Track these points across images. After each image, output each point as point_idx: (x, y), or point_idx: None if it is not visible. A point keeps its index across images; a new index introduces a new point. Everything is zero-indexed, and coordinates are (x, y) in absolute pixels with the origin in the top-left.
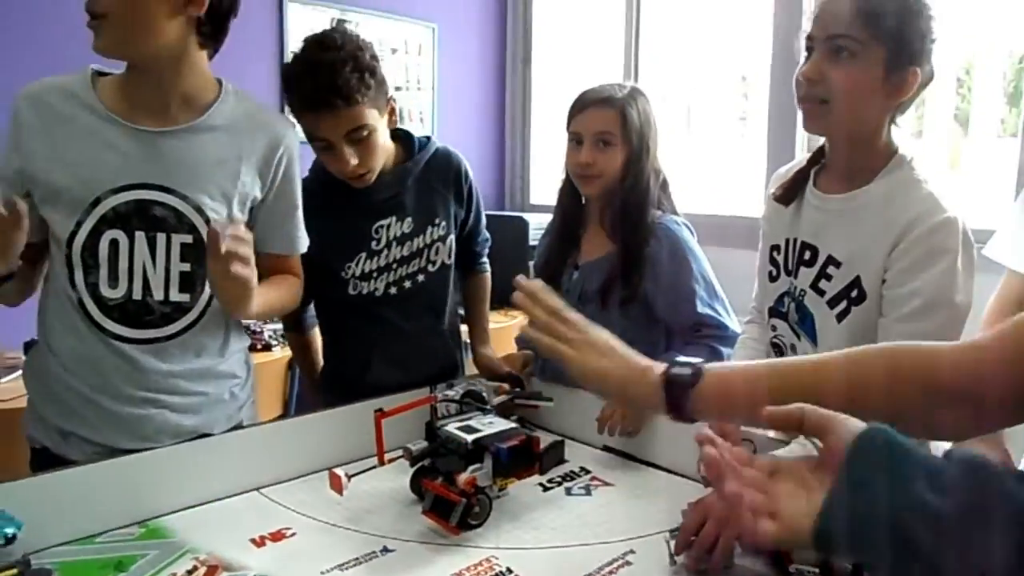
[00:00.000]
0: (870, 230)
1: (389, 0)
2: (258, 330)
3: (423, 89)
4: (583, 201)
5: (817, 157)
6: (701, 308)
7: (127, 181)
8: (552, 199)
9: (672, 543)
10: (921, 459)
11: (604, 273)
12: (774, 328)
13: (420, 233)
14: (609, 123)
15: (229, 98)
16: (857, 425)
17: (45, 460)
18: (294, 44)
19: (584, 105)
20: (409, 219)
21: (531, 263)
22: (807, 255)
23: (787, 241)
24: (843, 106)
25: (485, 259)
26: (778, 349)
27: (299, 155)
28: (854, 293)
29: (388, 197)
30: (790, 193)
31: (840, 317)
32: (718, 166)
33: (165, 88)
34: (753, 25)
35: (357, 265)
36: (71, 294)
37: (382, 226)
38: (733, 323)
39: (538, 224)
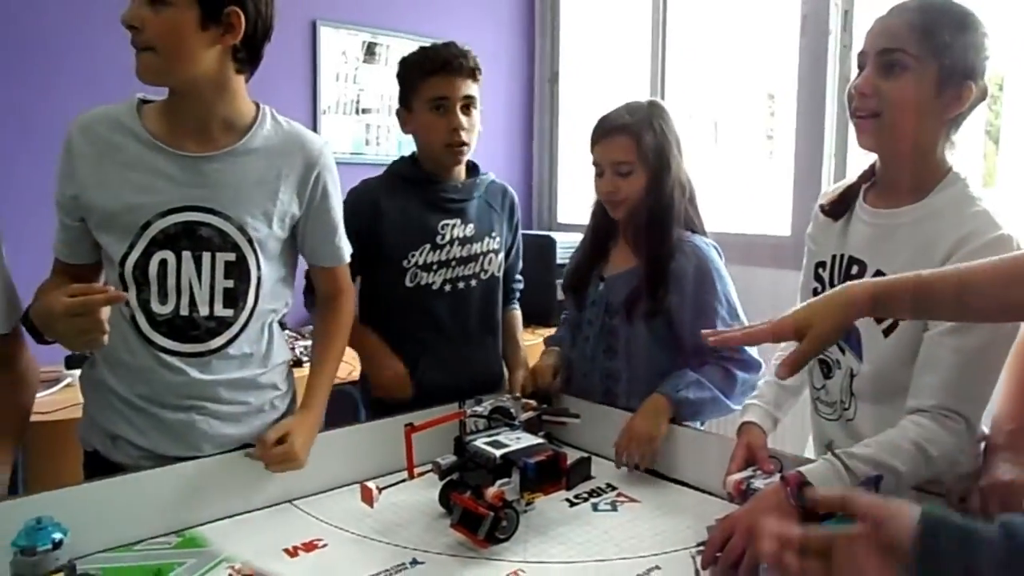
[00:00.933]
0: (922, 245)
1: (418, 24)
2: (291, 347)
3: None
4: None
5: (868, 174)
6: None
7: (174, 205)
8: (579, 218)
9: (698, 559)
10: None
11: (629, 286)
12: None
13: (479, 240)
14: (625, 151)
15: (267, 120)
16: None
17: (96, 462)
18: (326, 66)
19: (600, 135)
20: (471, 225)
21: (558, 281)
22: (854, 270)
23: (834, 257)
24: (895, 119)
25: (516, 302)
26: (824, 365)
27: (336, 171)
28: None
29: (456, 199)
30: (839, 207)
31: (887, 332)
32: (745, 184)
33: (206, 113)
34: (780, 43)
35: (421, 255)
36: (124, 310)
37: (447, 225)
38: (752, 349)
39: (564, 243)
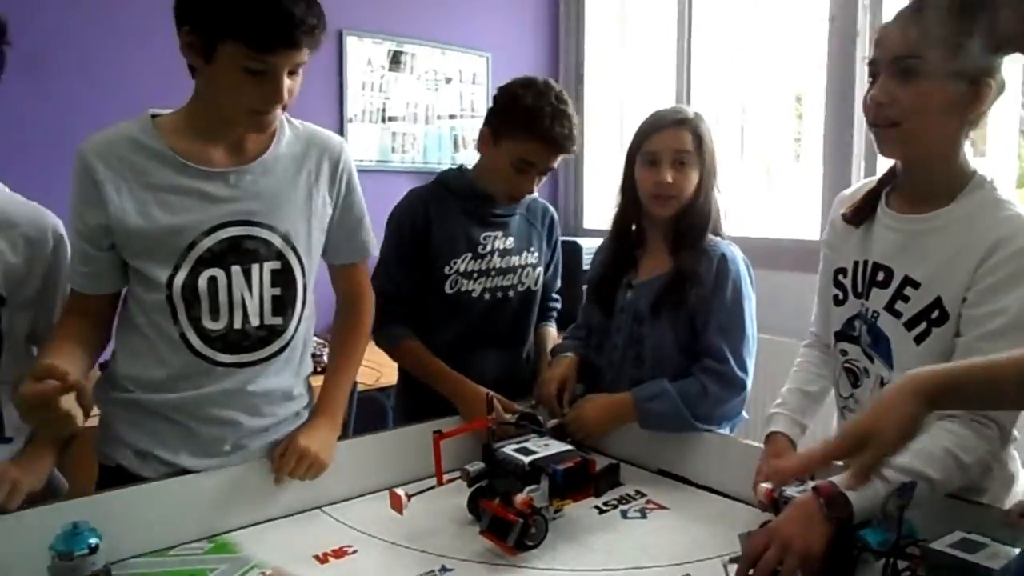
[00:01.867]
0: (953, 250)
1: (444, 32)
2: (318, 353)
3: (477, 116)
4: (641, 222)
5: (888, 178)
6: (714, 336)
7: (216, 222)
8: (605, 223)
9: (730, 568)
10: None
11: (656, 291)
12: (844, 352)
13: (518, 253)
14: (686, 142)
15: (285, 125)
16: None
17: (118, 477)
18: (352, 74)
19: (660, 125)
20: (512, 238)
21: (584, 287)
22: (880, 276)
23: (855, 263)
24: (916, 126)
25: (552, 320)
26: (851, 373)
27: (354, 166)
28: (935, 314)
29: (500, 214)
30: (862, 214)
31: (919, 339)
32: (772, 188)
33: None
34: (807, 45)
35: (462, 263)
36: (170, 329)
37: (489, 236)
38: (744, 372)
39: (590, 248)
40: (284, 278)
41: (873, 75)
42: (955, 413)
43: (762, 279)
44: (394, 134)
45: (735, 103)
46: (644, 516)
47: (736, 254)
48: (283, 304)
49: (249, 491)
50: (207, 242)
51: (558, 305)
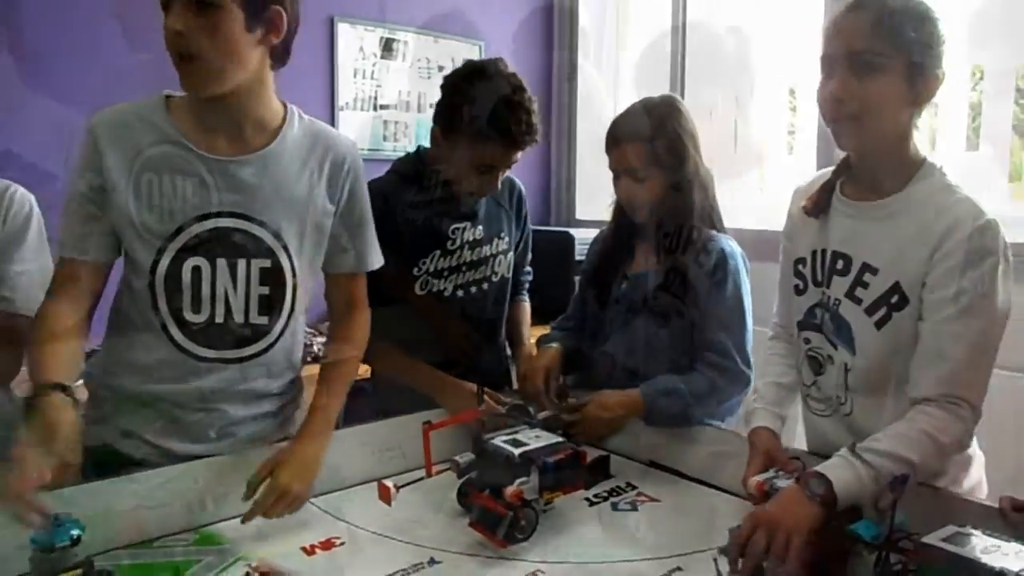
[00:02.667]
0: (909, 235)
1: (436, 20)
2: (308, 343)
3: None
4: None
5: (842, 168)
6: (715, 332)
7: (207, 210)
8: (598, 214)
9: (720, 561)
10: None
11: (651, 283)
12: (807, 340)
13: (489, 242)
14: (636, 158)
15: (294, 121)
16: None
17: (104, 458)
18: (344, 62)
19: (612, 140)
20: (481, 227)
21: (576, 278)
22: (839, 264)
23: (814, 252)
24: (875, 119)
25: (525, 292)
26: (814, 361)
27: (363, 173)
28: (894, 299)
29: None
30: (820, 204)
31: (880, 324)
32: (766, 180)
33: (242, 115)
34: (801, 38)
35: (432, 262)
36: (152, 318)
37: (458, 229)
38: (748, 368)
39: (583, 239)
40: (273, 278)
41: (826, 70)
42: (930, 396)
43: (755, 271)
44: (386, 122)
45: (729, 96)
46: (635, 508)
47: (735, 249)
48: (270, 304)
49: (235, 483)
50: (195, 229)
51: (530, 277)
